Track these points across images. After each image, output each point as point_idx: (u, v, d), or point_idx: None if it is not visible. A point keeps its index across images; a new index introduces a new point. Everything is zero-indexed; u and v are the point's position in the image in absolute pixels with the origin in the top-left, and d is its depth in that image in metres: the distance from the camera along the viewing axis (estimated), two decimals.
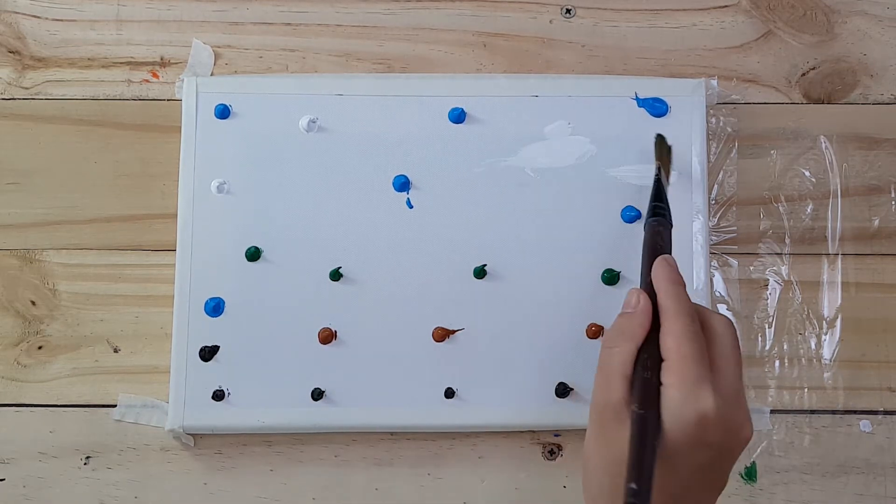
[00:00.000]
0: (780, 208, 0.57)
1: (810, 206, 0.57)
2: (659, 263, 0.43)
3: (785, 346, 0.55)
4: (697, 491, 0.39)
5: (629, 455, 0.35)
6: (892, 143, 0.57)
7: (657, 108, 0.56)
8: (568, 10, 0.58)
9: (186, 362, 0.53)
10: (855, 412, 0.55)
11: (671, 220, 0.48)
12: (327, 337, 0.53)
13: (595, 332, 0.53)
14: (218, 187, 0.55)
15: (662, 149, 0.54)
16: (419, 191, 0.55)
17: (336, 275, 0.54)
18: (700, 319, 0.40)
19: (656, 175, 0.51)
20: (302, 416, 0.53)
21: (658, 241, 0.46)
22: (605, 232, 0.55)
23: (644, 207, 0.54)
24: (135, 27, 0.58)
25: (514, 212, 0.55)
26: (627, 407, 0.38)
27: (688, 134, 0.55)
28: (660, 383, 0.38)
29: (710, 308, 0.54)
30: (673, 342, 0.38)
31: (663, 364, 0.38)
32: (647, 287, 0.42)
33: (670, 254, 0.45)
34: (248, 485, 0.54)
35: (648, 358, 0.39)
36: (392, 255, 0.54)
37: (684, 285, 0.42)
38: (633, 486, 0.34)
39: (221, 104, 0.55)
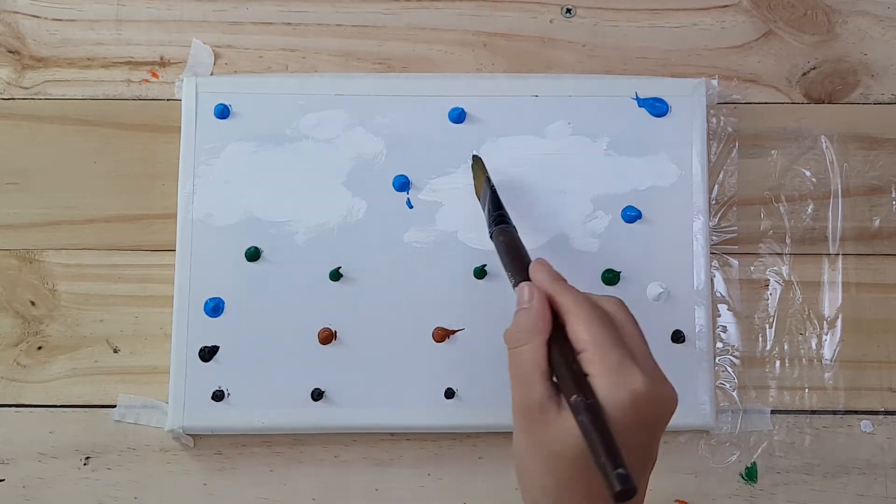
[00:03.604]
0: (781, 208, 0.57)
1: (811, 206, 0.57)
2: (536, 266, 0.42)
3: (785, 347, 0.55)
4: (638, 470, 0.38)
5: (595, 445, 0.35)
6: (892, 142, 0.57)
7: (657, 107, 0.56)
8: (568, 10, 0.58)
9: (186, 362, 0.53)
10: (856, 412, 0.55)
11: (512, 223, 0.48)
12: (327, 337, 0.53)
13: None
14: (218, 187, 0.55)
15: (480, 166, 0.53)
16: (419, 191, 0.55)
17: (336, 275, 0.54)
18: (599, 306, 0.40)
19: (491, 187, 0.51)
20: (302, 417, 0.53)
21: (518, 245, 0.46)
22: (605, 232, 0.54)
23: (645, 207, 0.54)
24: (134, 27, 0.58)
25: (513, 212, 0.55)
26: (552, 403, 0.38)
27: (688, 134, 0.55)
28: (584, 374, 0.37)
29: (712, 304, 0.54)
30: (585, 332, 0.38)
31: (581, 355, 0.38)
32: None
33: (528, 254, 0.45)
34: (248, 485, 0.54)
35: (563, 350, 0.38)
36: (392, 255, 0.54)
37: (565, 279, 0.42)
38: (622, 470, 0.33)
39: (221, 104, 0.55)
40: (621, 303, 0.41)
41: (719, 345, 0.55)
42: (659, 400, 0.37)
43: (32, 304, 0.55)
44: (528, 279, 0.42)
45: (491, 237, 0.48)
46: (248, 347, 0.53)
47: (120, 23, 0.58)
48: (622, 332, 0.39)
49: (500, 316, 0.53)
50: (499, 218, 0.48)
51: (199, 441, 0.54)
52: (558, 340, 0.39)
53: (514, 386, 0.39)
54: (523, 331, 0.39)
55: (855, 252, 0.56)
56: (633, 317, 0.40)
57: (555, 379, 0.39)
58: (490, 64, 0.58)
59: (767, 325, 0.55)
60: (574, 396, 0.36)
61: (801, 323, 0.55)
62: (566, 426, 0.37)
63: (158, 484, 0.54)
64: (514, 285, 0.43)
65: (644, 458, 0.38)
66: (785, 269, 0.56)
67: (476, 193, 0.53)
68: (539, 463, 0.38)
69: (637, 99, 0.56)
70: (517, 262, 0.44)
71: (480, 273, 0.54)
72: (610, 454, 0.34)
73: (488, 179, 0.51)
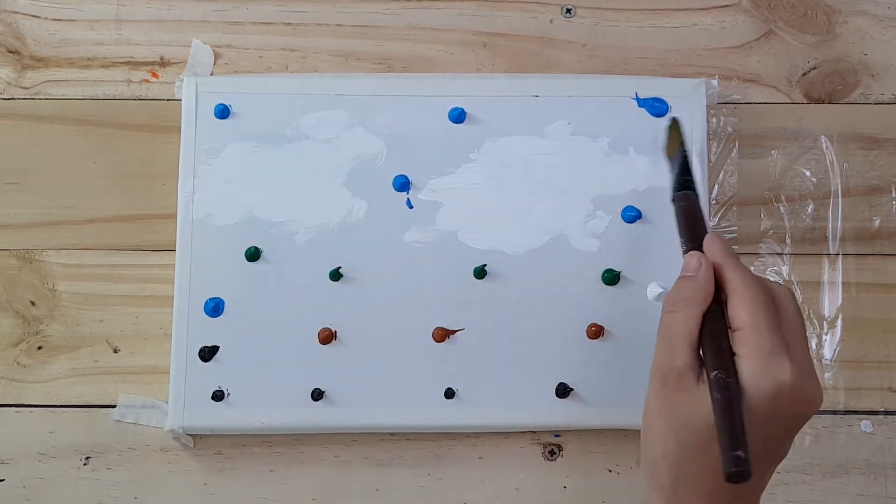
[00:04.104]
0: (781, 208, 0.57)
1: (811, 206, 0.57)
2: (712, 239, 0.42)
3: None
4: (764, 462, 0.38)
5: (720, 422, 0.35)
6: (892, 142, 0.57)
7: (657, 108, 0.56)
8: (568, 10, 0.58)
9: (186, 362, 0.53)
10: (856, 412, 0.55)
11: (698, 192, 0.48)
12: (327, 337, 0.53)
13: (595, 332, 0.53)
14: (218, 187, 0.55)
15: (677, 129, 0.53)
16: (419, 191, 0.55)
17: (336, 275, 0.54)
18: (766, 290, 0.40)
19: (683, 152, 0.50)
20: (302, 417, 0.53)
21: (697, 213, 0.46)
22: (605, 232, 0.54)
23: (645, 207, 0.54)
24: (134, 27, 0.58)
25: (514, 212, 0.55)
26: (691, 372, 0.38)
27: (688, 134, 0.55)
28: (733, 353, 0.37)
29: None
30: (745, 313, 0.38)
31: (735, 334, 0.38)
32: None
33: (705, 225, 0.45)
34: (248, 485, 0.54)
35: (716, 325, 0.39)
36: (392, 255, 0.54)
37: (738, 257, 0.42)
38: (740, 453, 0.34)
39: (221, 104, 0.55)
40: (791, 293, 0.40)
41: None
42: (802, 396, 0.37)
43: (32, 304, 0.55)
44: (699, 248, 0.42)
45: (672, 201, 0.48)
46: (248, 347, 0.53)
47: (120, 23, 0.58)
48: (784, 321, 0.39)
49: (500, 316, 0.54)
50: (684, 183, 0.48)
51: (199, 441, 0.54)
52: (714, 314, 0.39)
53: (659, 347, 0.39)
54: (682, 297, 0.40)
55: (855, 252, 0.56)
56: (800, 310, 0.40)
57: (701, 351, 0.39)
58: (490, 64, 0.58)
59: None
60: (715, 372, 0.36)
61: None
62: (701, 398, 0.37)
63: (158, 484, 0.54)
64: (685, 251, 0.43)
65: (774, 450, 0.39)
66: (785, 269, 0.56)
67: (667, 155, 0.52)
68: (665, 426, 0.39)
69: (637, 99, 0.56)
70: (693, 229, 0.44)
71: (480, 273, 0.54)
72: (732, 434, 0.34)
73: (682, 144, 0.51)
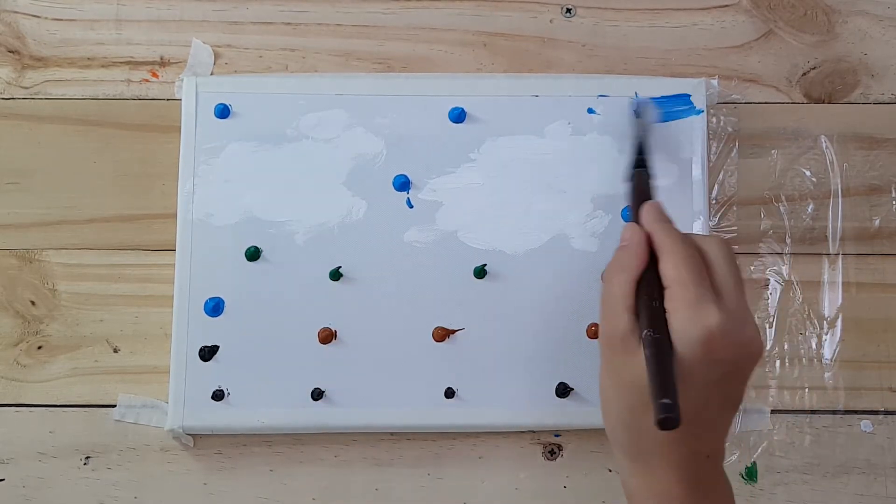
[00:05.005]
0: (781, 208, 0.57)
1: (811, 206, 0.57)
2: (646, 208, 0.44)
3: (785, 346, 0.55)
4: (713, 408, 0.40)
5: (650, 375, 0.37)
6: (892, 142, 0.57)
7: (674, 112, 0.56)
8: (568, 10, 0.58)
9: (186, 362, 0.53)
10: (856, 412, 0.55)
11: (653, 171, 0.50)
12: (327, 337, 0.53)
13: (595, 332, 0.53)
14: (218, 187, 0.55)
15: (648, 112, 0.54)
16: (419, 191, 0.55)
17: (336, 275, 0.54)
18: (695, 246, 0.41)
19: (640, 133, 0.52)
20: (302, 416, 0.53)
21: (645, 189, 0.48)
22: (605, 231, 0.54)
23: None
24: (134, 27, 0.58)
25: (513, 212, 0.55)
26: (633, 335, 0.39)
27: (688, 134, 0.55)
28: (664, 310, 0.39)
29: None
30: (671, 270, 0.40)
31: (666, 292, 0.40)
32: None
33: (651, 196, 0.47)
34: (248, 485, 0.54)
35: (649, 287, 0.40)
36: (392, 255, 0.54)
37: (672, 222, 0.43)
38: (667, 400, 0.35)
39: (221, 104, 0.55)
40: (723, 243, 0.42)
41: None
42: (735, 340, 0.38)
43: (32, 303, 0.55)
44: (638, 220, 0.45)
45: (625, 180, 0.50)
46: (248, 347, 0.53)
47: (120, 23, 0.58)
48: (714, 272, 0.40)
49: (500, 316, 0.54)
50: (638, 161, 0.50)
51: (199, 441, 0.54)
52: (649, 279, 0.41)
53: (601, 317, 0.42)
54: (616, 266, 0.42)
55: (855, 252, 0.56)
56: (733, 258, 0.41)
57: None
58: (490, 64, 0.58)
59: (767, 325, 0.55)
60: (645, 330, 0.38)
61: (801, 323, 0.56)
62: (640, 359, 0.39)
63: (158, 484, 0.54)
64: None
65: (719, 398, 0.40)
66: (785, 269, 0.56)
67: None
68: (615, 390, 0.41)
69: (653, 98, 0.55)
70: (636, 203, 0.47)
71: (480, 273, 0.54)
72: (660, 384, 0.36)
73: (646, 128, 0.53)
